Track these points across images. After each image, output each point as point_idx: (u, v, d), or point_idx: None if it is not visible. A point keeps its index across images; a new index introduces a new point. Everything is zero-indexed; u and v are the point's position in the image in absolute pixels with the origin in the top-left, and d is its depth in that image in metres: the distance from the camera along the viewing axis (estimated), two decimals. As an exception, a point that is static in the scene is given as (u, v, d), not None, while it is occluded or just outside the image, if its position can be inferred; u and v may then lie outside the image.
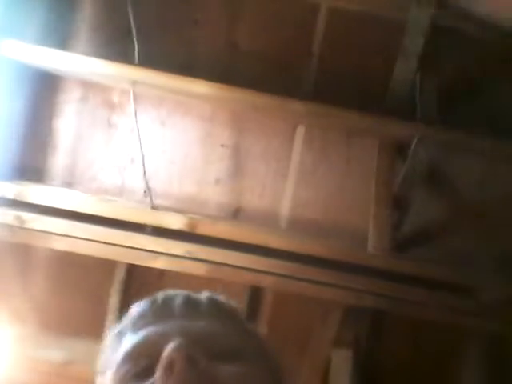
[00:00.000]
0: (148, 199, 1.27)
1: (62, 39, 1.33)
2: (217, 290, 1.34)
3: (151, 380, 0.45)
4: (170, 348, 0.44)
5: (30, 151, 1.38)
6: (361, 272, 1.20)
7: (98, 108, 1.39)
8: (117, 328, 0.56)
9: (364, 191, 1.33)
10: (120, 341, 0.53)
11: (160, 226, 1.23)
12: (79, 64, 1.22)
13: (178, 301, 0.55)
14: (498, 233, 1.34)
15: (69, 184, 1.38)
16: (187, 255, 1.21)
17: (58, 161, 1.39)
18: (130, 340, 0.51)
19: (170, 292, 0.58)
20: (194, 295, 0.58)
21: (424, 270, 1.20)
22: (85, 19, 1.36)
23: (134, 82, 1.25)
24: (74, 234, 1.21)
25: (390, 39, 1.28)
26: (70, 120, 1.39)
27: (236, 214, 1.38)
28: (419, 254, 1.33)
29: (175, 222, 1.22)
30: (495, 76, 1.32)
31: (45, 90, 1.37)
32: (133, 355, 0.49)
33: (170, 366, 0.44)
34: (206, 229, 1.22)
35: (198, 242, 1.22)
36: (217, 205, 1.38)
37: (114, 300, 1.37)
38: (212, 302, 0.57)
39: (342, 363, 1.32)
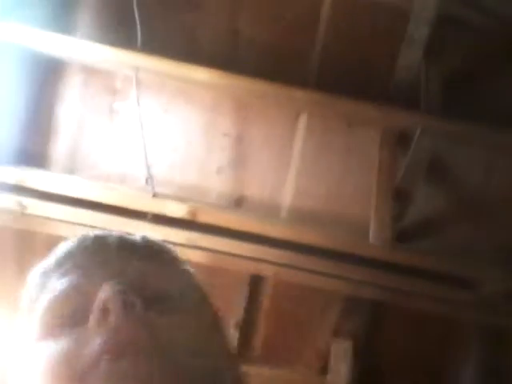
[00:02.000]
0: (149, 187, 1.26)
1: (64, 24, 1.32)
2: (217, 279, 1.33)
3: (82, 328, 0.41)
4: (104, 292, 0.40)
5: (32, 136, 1.37)
6: (361, 263, 1.20)
7: (100, 94, 1.38)
8: (40, 268, 0.50)
9: (365, 181, 1.32)
10: (45, 283, 0.47)
11: (161, 213, 1.23)
12: (82, 49, 1.22)
13: (111, 240, 0.50)
14: (500, 225, 1.33)
15: (70, 170, 1.38)
16: (187, 243, 1.21)
17: (60, 147, 1.39)
18: (57, 284, 0.45)
19: (100, 232, 0.52)
20: (128, 236, 0.53)
21: (424, 261, 1.20)
22: (88, 3, 1.35)
23: (137, 68, 1.24)
24: (74, 221, 1.21)
25: (395, 27, 1.26)
26: (72, 106, 1.38)
27: (238, 203, 1.38)
28: (420, 245, 1.32)
29: (176, 209, 1.22)
30: (500, 66, 1.31)
31: (47, 75, 1.37)
32: (61, 300, 0.44)
33: (104, 312, 0.40)
34: (207, 217, 1.22)
35: (198, 230, 1.22)
36: (218, 194, 1.38)
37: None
38: (148, 243, 0.53)
39: (341, 354, 1.32)
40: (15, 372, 0.45)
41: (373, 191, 1.27)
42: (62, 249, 0.51)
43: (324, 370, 1.33)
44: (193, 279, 0.55)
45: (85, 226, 1.22)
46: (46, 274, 0.49)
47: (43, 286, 0.48)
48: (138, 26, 1.25)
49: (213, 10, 1.34)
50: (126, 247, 0.50)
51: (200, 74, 1.21)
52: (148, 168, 1.28)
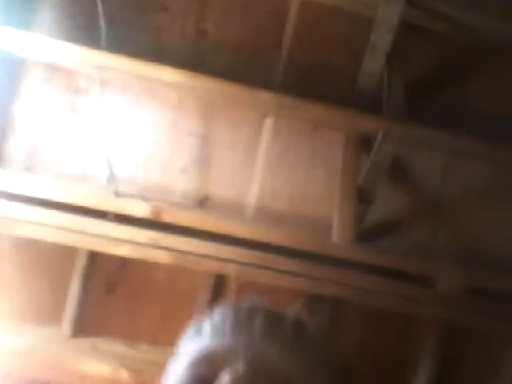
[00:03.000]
0: (112, 186, 1.25)
1: (25, 19, 1.29)
2: (181, 278, 1.33)
3: None
4: (229, 376, 0.45)
5: (-11, 134, 1.33)
6: (325, 262, 1.22)
7: (62, 92, 1.35)
8: (198, 324, 0.58)
9: (329, 182, 1.35)
10: (196, 338, 0.55)
11: (124, 213, 1.21)
12: (44, 47, 1.19)
13: (259, 320, 0.56)
14: (458, 224, 1.38)
15: (29, 169, 1.35)
16: (151, 243, 1.20)
17: (18, 145, 1.35)
18: (203, 343, 0.53)
19: (255, 305, 0.59)
20: (279, 315, 0.58)
21: (385, 260, 1.23)
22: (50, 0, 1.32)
23: (101, 68, 1.22)
24: (35, 220, 1.19)
25: (360, 34, 1.29)
26: (32, 104, 1.35)
27: (202, 203, 1.38)
28: (381, 244, 1.36)
29: (139, 209, 1.21)
30: (462, 74, 1.36)
31: (7, 72, 1.33)
32: (199, 362, 0.51)
33: None
34: (170, 217, 1.22)
35: (162, 230, 1.21)
36: (183, 193, 1.37)
37: (74, 287, 1.35)
38: (296, 329, 0.56)
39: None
40: None
41: (336, 192, 1.30)
42: (219, 314, 0.58)
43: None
44: (333, 371, 0.57)
45: (45, 225, 1.19)
46: (199, 331, 0.56)
47: (193, 340, 0.55)
48: (103, 25, 1.23)
49: (180, 11, 1.34)
50: (270, 329, 0.54)
51: (166, 74, 1.21)
52: (110, 166, 1.27)
